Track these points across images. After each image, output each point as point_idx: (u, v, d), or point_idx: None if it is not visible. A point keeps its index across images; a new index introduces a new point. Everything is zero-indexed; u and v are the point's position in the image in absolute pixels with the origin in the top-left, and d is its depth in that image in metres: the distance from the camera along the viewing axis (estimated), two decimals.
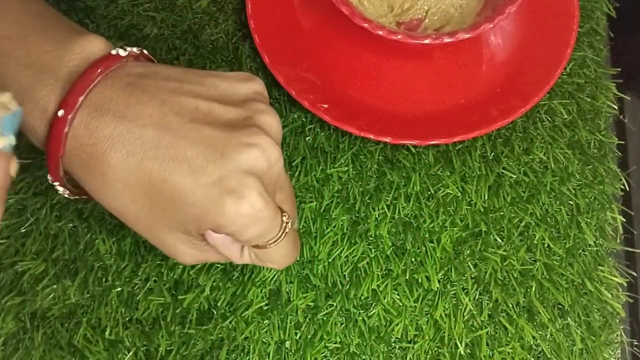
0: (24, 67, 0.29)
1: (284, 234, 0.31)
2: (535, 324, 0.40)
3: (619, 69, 0.49)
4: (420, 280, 0.40)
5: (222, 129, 0.29)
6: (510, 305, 0.40)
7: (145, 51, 0.32)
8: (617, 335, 0.41)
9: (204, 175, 0.28)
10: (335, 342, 0.39)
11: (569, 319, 0.40)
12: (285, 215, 0.31)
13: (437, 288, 0.40)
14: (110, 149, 0.28)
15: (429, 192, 0.43)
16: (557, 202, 0.43)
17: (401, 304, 0.40)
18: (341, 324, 0.39)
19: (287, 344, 0.39)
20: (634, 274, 0.44)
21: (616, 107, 0.47)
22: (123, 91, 0.29)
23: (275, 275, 0.40)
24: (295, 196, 0.36)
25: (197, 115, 0.29)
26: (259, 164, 0.29)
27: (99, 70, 0.29)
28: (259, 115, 0.30)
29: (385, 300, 0.40)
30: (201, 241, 0.31)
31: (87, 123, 0.28)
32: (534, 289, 0.40)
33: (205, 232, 0.31)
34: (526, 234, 0.42)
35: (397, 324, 0.39)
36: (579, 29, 0.48)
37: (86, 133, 0.28)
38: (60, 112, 0.28)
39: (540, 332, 0.40)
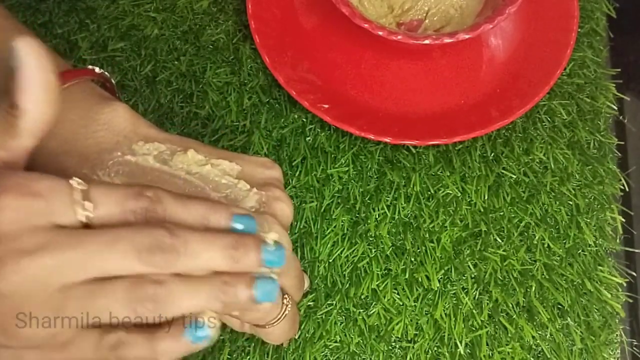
0: None
1: (282, 317, 0.32)
2: (535, 324, 0.40)
3: (619, 70, 0.49)
4: (420, 280, 0.40)
5: None
6: (510, 305, 0.40)
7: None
8: (617, 335, 0.41)
9: None
10: (335, 341, 0.39)
11: (568, 319, 0.40)
12: (286, 298, 0.32)
13: (437, 288, 0.40)
14: None
15: (429, 192, 0.43)
16: (557, 202, 0.43)
17: (401, 304, 0.40)
18: (341, 322, 0.40)
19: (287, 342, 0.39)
20: (634, 274, 0.44)
21: (616, 108, 0.47)
22: None
23: None
24: (302, 273, 0.36)
25: None
26: None
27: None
28: (274, 201, 0.31)
29: (385, 300, 0.40)
30: None
31: None
32: (533, 289, 0.41)
33: None
34: (526, 234, 0.42)
35: (397, 323, 0.39)
36: (579, 30, 0.48)
37: None
38: None
39: (540, 332, 0.40)
